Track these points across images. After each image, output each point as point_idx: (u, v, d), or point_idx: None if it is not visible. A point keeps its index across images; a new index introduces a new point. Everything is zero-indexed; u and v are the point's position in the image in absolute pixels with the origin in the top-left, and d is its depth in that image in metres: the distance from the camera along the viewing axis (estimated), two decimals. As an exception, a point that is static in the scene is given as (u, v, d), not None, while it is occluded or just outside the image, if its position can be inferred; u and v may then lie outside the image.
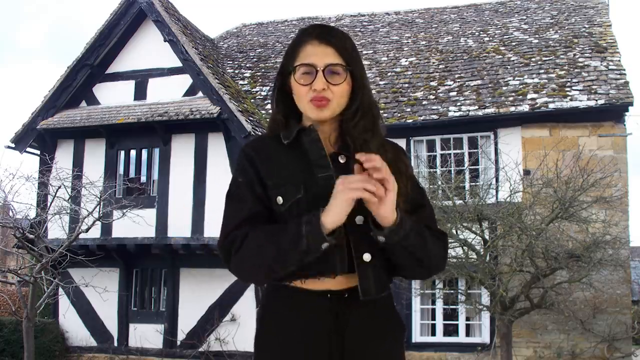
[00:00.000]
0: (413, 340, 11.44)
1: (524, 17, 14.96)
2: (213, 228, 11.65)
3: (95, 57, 13.28)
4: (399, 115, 12.10)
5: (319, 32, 1.77)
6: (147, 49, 13.21)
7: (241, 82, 14.33)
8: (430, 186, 9.75)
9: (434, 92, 12.52)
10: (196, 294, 12.43)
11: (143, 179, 13.15)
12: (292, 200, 1.68)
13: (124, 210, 10.81)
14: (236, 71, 14.93)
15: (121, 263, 12.93)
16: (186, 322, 12.57)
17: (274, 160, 1.76)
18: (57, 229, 10.77)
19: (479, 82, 12.41)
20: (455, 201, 8.75)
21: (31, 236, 9.48)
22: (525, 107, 11.35)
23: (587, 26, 13.54)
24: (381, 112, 1.95)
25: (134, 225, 11.19)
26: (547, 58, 12.56)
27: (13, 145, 13.33)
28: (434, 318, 11.69)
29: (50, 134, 13.24)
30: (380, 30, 16.10)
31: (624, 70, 11.59)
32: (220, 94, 12.07)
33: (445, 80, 12.80)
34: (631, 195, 13.01)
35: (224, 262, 1.71)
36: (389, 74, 13.56)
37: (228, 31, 18.01)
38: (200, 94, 12.62)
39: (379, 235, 1.64)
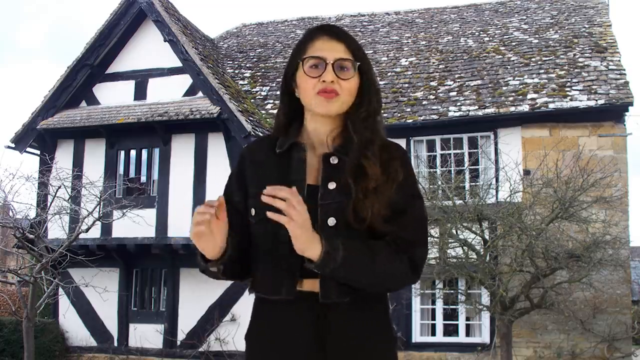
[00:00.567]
0: (413, 340, 11.44)
1: (524, 17, 14.96)
2: (213, 228, 11.61)
3: (95, 57, 13.28)
4: (399, 115, 12.10)
5: (329, 28, 1.77)
6: (147, 49, 13.21)
7: (241, 82, 14.33)
8: (430, 186, 9.75)
9: (434, 92, 12.52)
10: (196, 294, 12.42)
11: (143, 179, 13.16)
12: (262, 216, 1.61)
13: (124, 210, 10.80)
14: (236, 71, 14.93)
15: (121, 263, 12.93)
16: (186, 322, 12.57)
17: (264, 166, 1.75)
18: (57, 229, 10.75)
19: (479, 82, 12.41)
20: (455, 201, 8.74)
21: (31, 236, 9.47)
22: (525, 107, 11.35)
23: (587, 26, 13.54)
24: (381, 112, 1.94)
25: (134, 225, 11.18)
26: (547, 58, 12.56)
27: (13, 145, 13.33)
28: (434, 318, 11.69)
29: (50, 134, 13.25)
30: (380, 30, 16.10)
31: (624, 70, 11.59)
32: (220, 94, 12.07)
33: (445, 80, 12.80)
34: (631, 195, 13.01)
35: None
36: (389, 74, 13.56)
37: (228, 31, 18.00)
38: (200, 94, 12.62)
39: (310, 266, 1.59)
